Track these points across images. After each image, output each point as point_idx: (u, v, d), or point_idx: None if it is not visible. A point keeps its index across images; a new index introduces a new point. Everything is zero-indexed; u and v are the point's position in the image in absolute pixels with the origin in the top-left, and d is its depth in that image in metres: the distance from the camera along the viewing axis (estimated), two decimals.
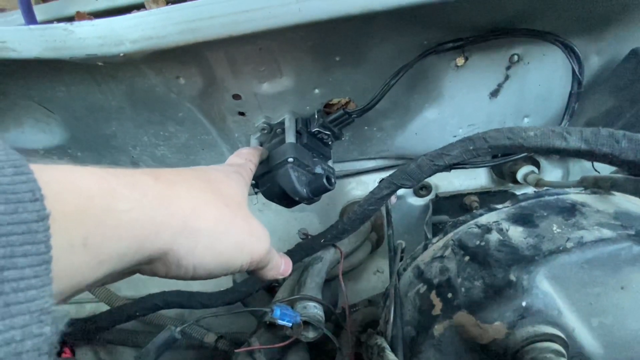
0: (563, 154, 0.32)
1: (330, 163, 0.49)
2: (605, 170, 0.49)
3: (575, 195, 0.36)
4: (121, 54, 0.34)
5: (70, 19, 0.63)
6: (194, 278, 0.24)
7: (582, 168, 0.62)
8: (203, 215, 0.23)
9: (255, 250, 0.26)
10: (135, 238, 0.19)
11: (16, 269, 0.13)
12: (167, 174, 0.24)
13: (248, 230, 0.26)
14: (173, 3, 0.37)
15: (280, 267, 0.30)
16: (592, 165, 0.52)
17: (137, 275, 0.23)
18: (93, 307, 0.71)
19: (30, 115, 0.49)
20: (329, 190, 0.42)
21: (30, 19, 0.59)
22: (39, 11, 0.63)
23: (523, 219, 0.34)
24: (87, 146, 0.54)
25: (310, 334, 0.45)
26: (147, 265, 0.22)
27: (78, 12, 0.60)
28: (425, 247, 0.40)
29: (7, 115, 0.49)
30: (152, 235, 0.20)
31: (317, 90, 0.46)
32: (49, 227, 0.14)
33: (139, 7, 0.62)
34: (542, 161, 0.60)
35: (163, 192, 0.22)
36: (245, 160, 0.35)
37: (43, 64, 0.37)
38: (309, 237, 0.51)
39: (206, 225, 0.23)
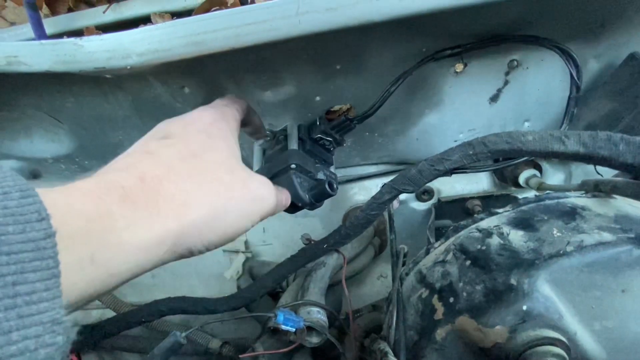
0: (562, 158, 0.32)
1: (332, 169, 0.49)
2: (608, 173, 0.49)
3: (576, 199, 0.36)
4: (128, 67, 0.36)
5: (78, 31, 0.64)
6: (208, 250, 0.24)
7: (585, 171, 0.62)
8: (197, 205, 0.23)
9: (263, 211, 0.27)
10: (140, 250, 0.20)
11: (27, 284, 0.14)
12: (152, 167, 0.24)
13: (249, 197, 0.26)
14: (178, 17, 0.38)
15: (282, 202, 0.33)
16: (595, 169, 0.52)
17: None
18: (99, 313, 0.71)
19: (40, 125, 0.50)
20: (331, 195, 0.42)
21: (40, 32, 0.61)
22: (48, 24, 0.64)
23: (523, 223, 0.35)
24: (94, 155, 0.55)
25: (314, 339, 0.45)
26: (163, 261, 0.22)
27: (87, 28, 0.62)
28: (428, 252, 0.41)
29: (17, 126, 0.50)
30: (154, 247, 0.21)
31: (318, 98, 0.46)
32: (56, 244, 0.15)
33: (146, 20, 0.63)
34: (544, 165, 0.60)
35: (151, 197, 0.22)
36: (227, 101, 0.33)
37: (53, 76, 0.38)
38: (312, 242, 0.52)
39: (202, 214, 0.23)
